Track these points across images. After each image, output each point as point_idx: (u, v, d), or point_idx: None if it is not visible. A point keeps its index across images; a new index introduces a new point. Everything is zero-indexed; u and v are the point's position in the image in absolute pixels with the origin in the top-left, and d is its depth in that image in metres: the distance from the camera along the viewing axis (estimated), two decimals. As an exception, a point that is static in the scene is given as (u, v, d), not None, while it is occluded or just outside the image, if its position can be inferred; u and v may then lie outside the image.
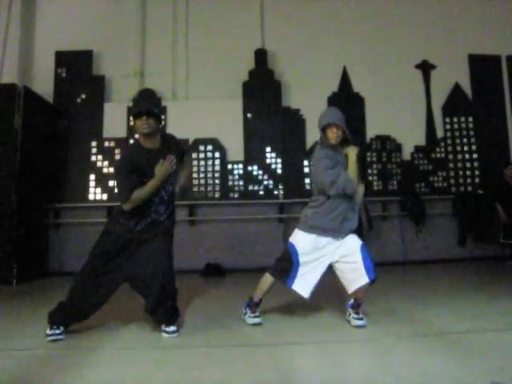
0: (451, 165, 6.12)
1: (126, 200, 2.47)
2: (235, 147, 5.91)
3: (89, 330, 2.61)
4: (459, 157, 6.14)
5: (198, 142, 5.88)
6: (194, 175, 5.83)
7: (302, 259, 2.62)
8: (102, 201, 5.68)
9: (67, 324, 2.52)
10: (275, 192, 5.85)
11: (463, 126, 6.20)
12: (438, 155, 6.13)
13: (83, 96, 5.96)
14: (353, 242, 2.66)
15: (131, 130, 5.70)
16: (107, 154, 5.81)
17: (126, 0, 6.30)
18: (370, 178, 6.01)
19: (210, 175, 5.86)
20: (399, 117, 6.06)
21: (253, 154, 5.91)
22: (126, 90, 6.02)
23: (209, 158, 5.89)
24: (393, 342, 2.32)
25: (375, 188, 5.99)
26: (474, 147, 6.16)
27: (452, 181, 6.08)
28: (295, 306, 3.16)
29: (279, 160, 5.90)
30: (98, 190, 5.72)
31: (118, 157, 5.66)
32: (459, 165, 6.12)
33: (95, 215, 5.57)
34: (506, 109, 6.30)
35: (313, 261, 2.64)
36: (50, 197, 5.58)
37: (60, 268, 5.53)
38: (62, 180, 5.74)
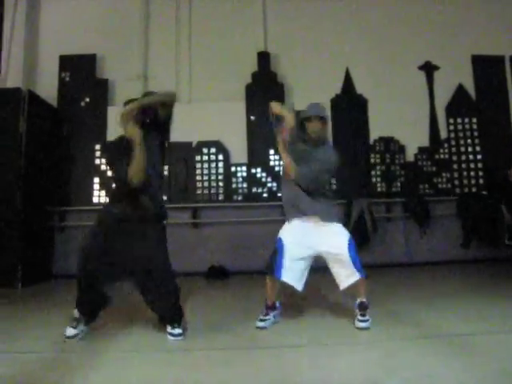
0: (455, 166, 6.09)
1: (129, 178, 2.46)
2: (239, 149, 5.92)
3: (94, 333, 2.62)
4: (463, 158, 6.11)
5: (201, 144, 5.89)
6: (198, 177, 5.84)
7: (286, 246, 2.70)
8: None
9: (94, 313, 2.58)
10: (279, 194, 5.83)
11: (467, 126, 6.17)
12: (442, 156, 6.10)
13: (87, 99, 5.98)
14: (340, 238, 2.72)
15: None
16: (111, 157, 5.81)
17: (128, 4, 6.34)
18: (374, 180, 6.00)
19: (213, 178, 5.87)
20: (403, 118, 6.03)
21: (256, 157, 5.92)
22: (129, 93, 6.01)
23: (212, 161, 5.90)
24: (397, 344, 2.31)
25: (379, 190, 5.97)
26: (478, 148, 6.13)
27: (456, 182, 6.04)
28: (298, 308, 3.16)
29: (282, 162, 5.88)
30: (103, 193, 5.74)
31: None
32: (463, 166, 6.09)
33: (99, 218, 5.58)
34: (510, 109, 6.27)
35: (298, 249, 2.69)
36: (54, 200, 5.61)
37: (65, 271, 5.52)
38: (67, 183, 5.77)
